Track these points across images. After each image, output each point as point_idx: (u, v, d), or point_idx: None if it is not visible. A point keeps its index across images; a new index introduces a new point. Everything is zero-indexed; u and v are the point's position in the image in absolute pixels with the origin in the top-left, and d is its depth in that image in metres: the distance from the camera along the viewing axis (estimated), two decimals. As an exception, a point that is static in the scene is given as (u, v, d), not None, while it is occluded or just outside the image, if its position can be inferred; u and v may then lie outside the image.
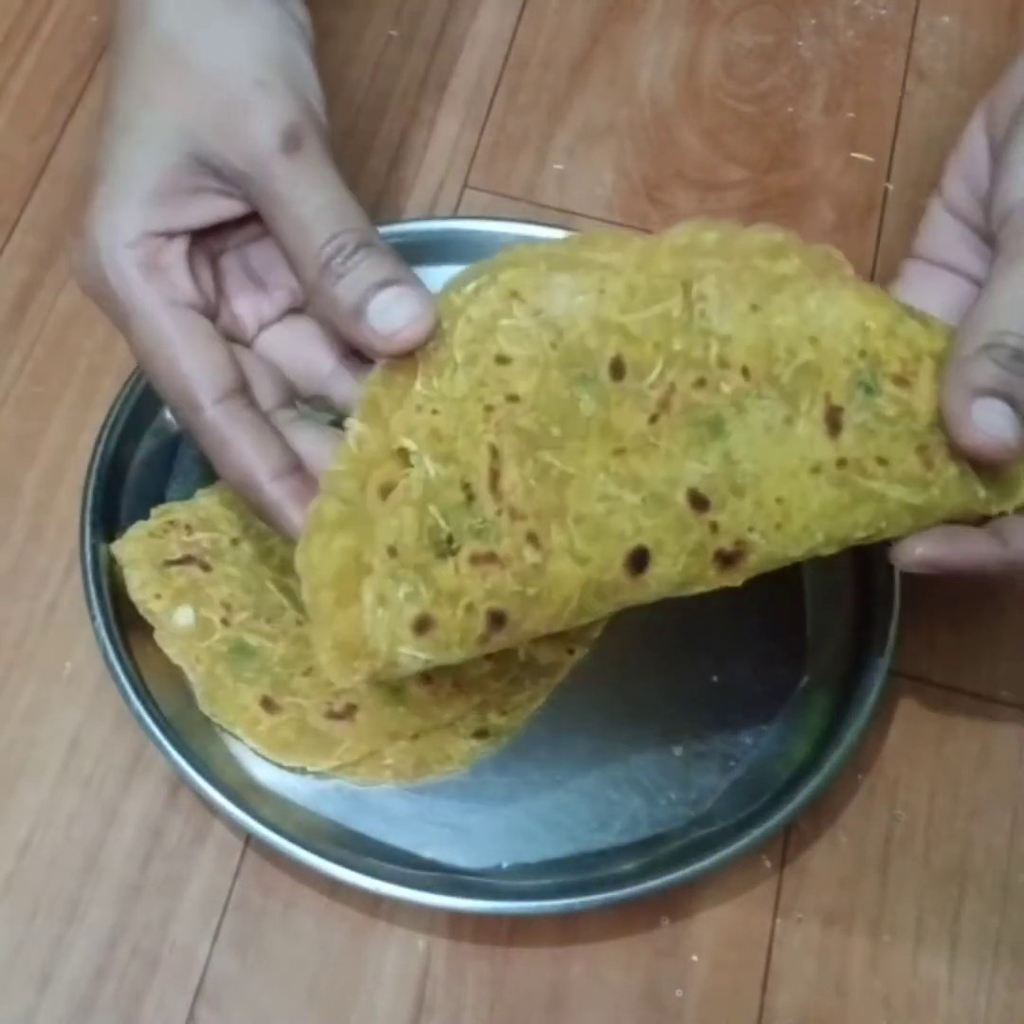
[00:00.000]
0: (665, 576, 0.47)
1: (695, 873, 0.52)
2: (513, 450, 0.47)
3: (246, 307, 0.52)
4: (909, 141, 0.69)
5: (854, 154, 0.69)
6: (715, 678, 0.57)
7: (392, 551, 0.46)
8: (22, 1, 0.71)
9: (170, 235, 0.49)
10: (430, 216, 0.67)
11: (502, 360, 0.47)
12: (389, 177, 0.68)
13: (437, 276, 0.63)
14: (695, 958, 0.53)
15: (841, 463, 0.48)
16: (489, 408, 0.47)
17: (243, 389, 0.50)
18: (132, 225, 0.49)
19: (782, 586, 0.57)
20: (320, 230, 0.48)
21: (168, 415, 0.60)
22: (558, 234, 0.64)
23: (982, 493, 0.50)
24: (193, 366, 0.49)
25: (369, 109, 0.70)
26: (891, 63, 0.71)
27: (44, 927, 0.53)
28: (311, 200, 0.48)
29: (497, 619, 0.46)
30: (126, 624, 0.55)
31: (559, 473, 0.47)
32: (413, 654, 0.46)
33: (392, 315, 0.47)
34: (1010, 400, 0.47)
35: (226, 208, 0.50)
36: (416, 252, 0.64)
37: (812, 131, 0.70)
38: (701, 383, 0.48)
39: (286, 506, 0.48)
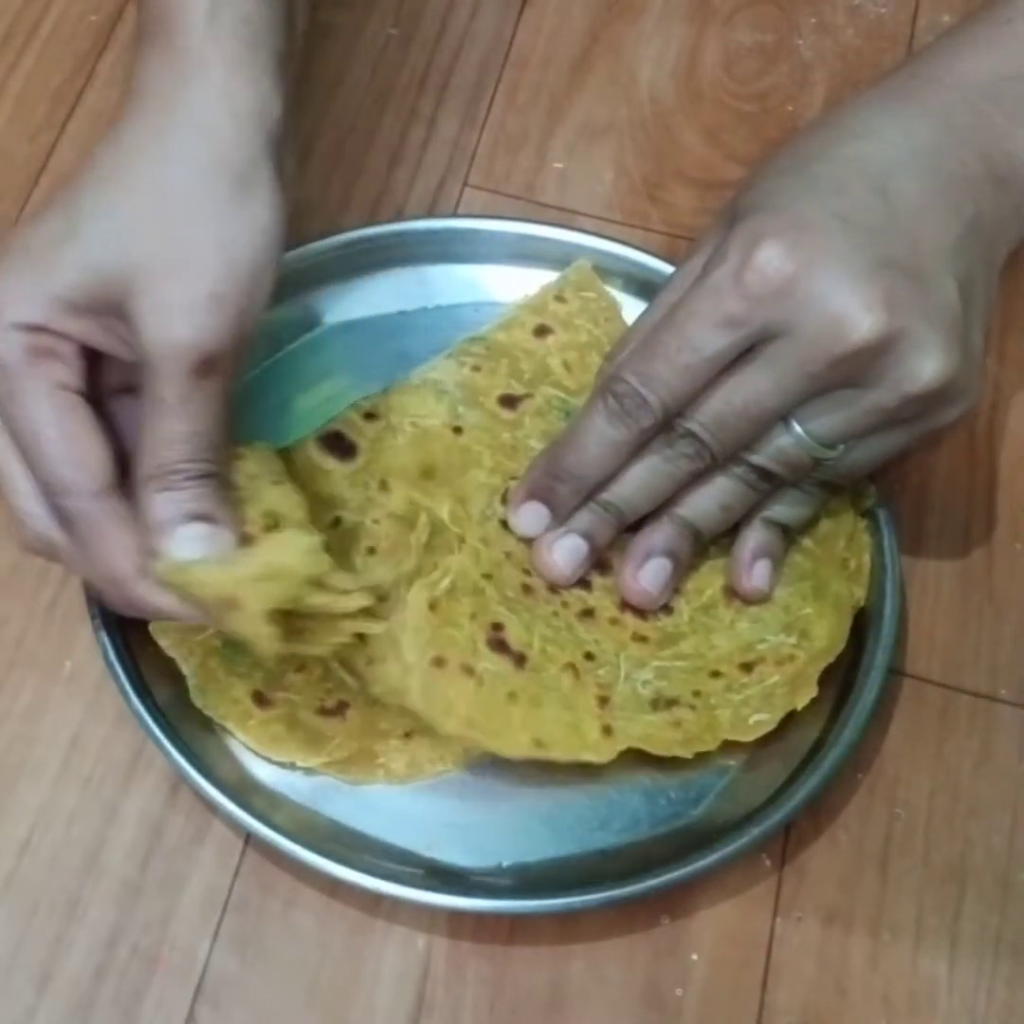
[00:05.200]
0: None
1: (695, 872, 0.52)
2: None
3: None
4: (909, 140, 0.69)
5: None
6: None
7: None
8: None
9: (67, 338, 0.49)
10: (430, 215, 0.67)
11: None
12: (389, 176, 0.68)
13: (437, 275, 0.64)
14: (695, 957, 0.53)
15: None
16: None
17: (118, 483, 0.50)
18: (37, 313, 0.48)
19: (782, 585, 0.58)
20: (180, 450, 0.49)
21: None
22: (558, 233, 0.64)
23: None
24: (72, 456, 0.48)
25: (369, 108, 0.70)
26: (891, 62, 0.71)
27: (44, 925, 0.53)
28: (189, 424, 0.49)
29: None
30: (126, 622, 0.55)
31: None
32: None
33: (192, 547, 0.48)
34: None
35: (120, 350, 0.50)
36: (416, 251, 0.64)
37: (812, 130, 0.70)
38: None
39: (155, 597, 0.49)
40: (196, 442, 0.49)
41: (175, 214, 0.49)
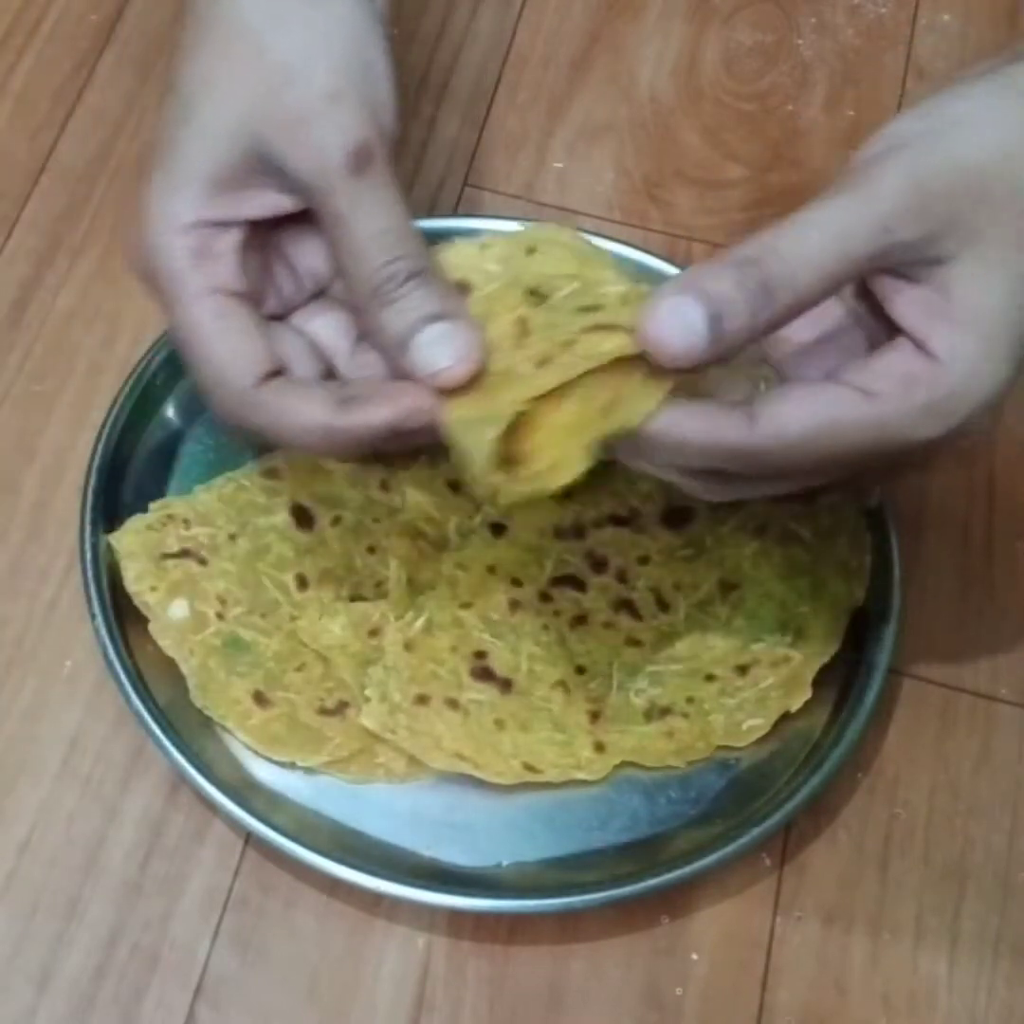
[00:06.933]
0: None
1: (695, 872, 0.52)
2: None
3: (292, 289, 0.51)
4: (909, 140, 0.69)
5: (855, 152, 0.69)
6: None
7: None
8: (22, -1, 0.72)
9: (225, 225, 0.48)
10: (430, 215, 0.67)
11: None
12: (389, 175, 0.68)
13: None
14: (695, 956, 0.53)
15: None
16: None
17: (276, 371, 0.49)
18: (188, 213, 0.48)
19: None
20: (375, 255, 0.47)
21: (169, 412, 0.60)
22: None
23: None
24: (225, 356, 0.48)
25: (369, 107, 0.70)
26: (891, 61, 0.71)
27: (44, 925, 0.53)
28: (370, 224, 0.47)
29: None
30: (126, 622, 0.55)
31: None
32: None
33: (436, 352, 0.46)
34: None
35: (284, 204, 0.49)
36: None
37: (813, 129, 0.70)
38: None
39: (360, 418, 0.46)
40: (386, 241, 0.47)
41: (260, 43, 0.48)
